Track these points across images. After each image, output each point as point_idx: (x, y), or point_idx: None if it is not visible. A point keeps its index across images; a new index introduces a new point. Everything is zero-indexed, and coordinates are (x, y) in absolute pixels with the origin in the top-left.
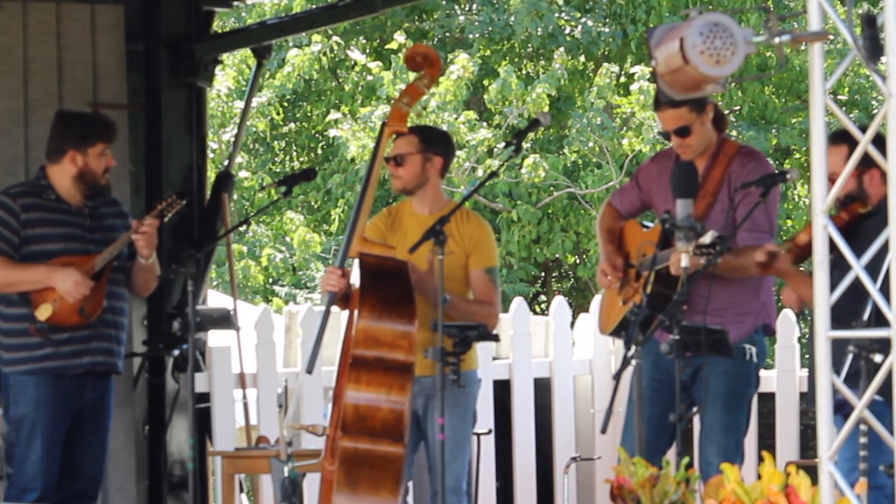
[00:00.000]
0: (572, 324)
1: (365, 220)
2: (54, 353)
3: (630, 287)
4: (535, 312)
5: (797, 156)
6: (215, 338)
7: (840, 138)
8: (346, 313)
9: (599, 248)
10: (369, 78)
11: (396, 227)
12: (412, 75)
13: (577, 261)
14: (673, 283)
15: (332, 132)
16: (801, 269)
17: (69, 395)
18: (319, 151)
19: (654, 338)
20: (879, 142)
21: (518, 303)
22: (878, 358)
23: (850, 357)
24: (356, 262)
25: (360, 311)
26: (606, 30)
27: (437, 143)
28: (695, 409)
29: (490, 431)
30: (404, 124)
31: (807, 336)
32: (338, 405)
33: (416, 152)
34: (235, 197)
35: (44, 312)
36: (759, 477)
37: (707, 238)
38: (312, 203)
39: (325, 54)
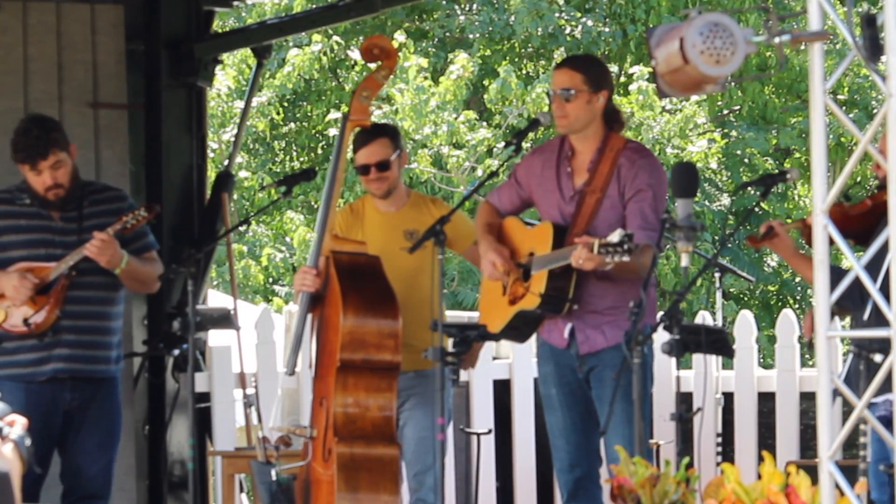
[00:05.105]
0: None
1: (334, 217)
2: (18, 360)
3: (519, 286)
4: None
5: (797, 156)
6: (215, 338)
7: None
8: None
9: (479, 241)
10: None
11: (359, 225)
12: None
13: None
14: (567, 283)
15: (332, 132)
16: (802, 252)
17: (44, 399)
18: (319, 151)
19: (545, 340)
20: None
21: None
22: (878, 358)
23: (850, 357)
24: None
25: (343, 313)
26: (606, 30)
27: (399, 138)
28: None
29: (490, 431)
30: (367, 117)
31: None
32: (324, 406)
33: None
34: (235, 197)
35: None
36: (759, 477)
37: (615, 237)
38: (312, 203)
39: (325, 54)
